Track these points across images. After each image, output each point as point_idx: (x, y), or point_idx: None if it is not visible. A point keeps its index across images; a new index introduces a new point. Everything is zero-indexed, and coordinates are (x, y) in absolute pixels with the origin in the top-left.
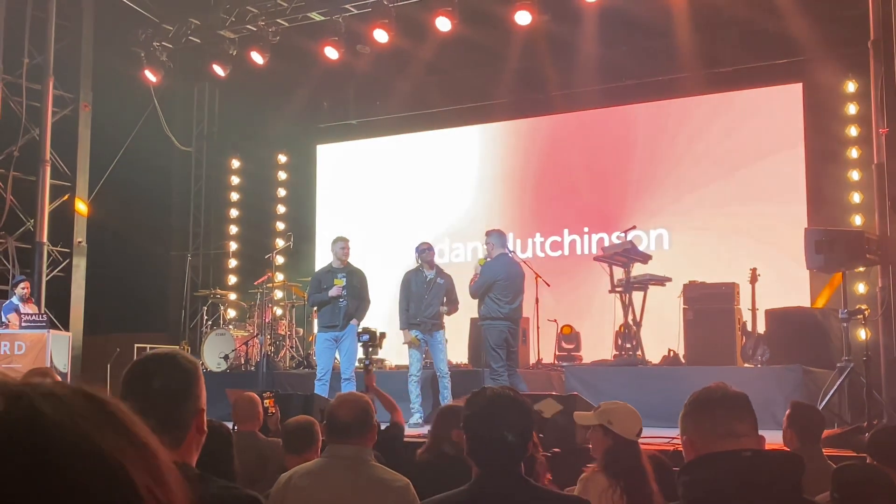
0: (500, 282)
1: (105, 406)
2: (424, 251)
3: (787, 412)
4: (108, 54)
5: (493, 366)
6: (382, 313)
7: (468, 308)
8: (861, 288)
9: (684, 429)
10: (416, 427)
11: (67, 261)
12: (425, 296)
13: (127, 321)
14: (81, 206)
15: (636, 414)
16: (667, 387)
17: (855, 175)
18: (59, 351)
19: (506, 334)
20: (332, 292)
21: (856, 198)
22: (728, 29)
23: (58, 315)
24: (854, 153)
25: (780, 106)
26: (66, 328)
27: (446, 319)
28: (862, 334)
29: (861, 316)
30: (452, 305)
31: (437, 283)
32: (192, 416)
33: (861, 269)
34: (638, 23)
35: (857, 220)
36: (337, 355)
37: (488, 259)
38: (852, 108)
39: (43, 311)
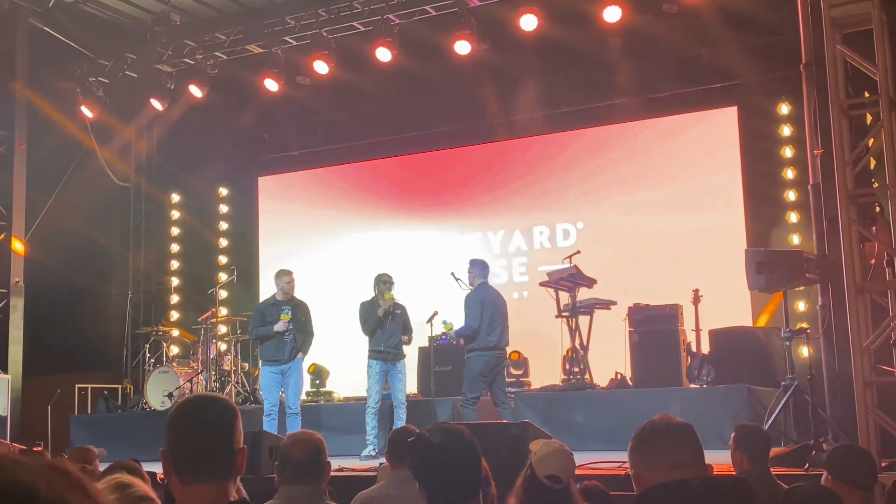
0: (485, 308)
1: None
2: (385, 282)
3: (733, 435)
4: (42, 91)
5: (467, 394)
6: (326, 344)
7: (416, 337)
8: (801, 306)
9: (632, 464)
10: (367, 459)
11: (5, 301)
12: (387, 325)
13: (68, 361)
14: (18, 246)
15: (556, 455)
16: (616, 410)
17: (791, 195)
18: None
19: (493, 362)
20: (278, 327)
21: (793, 217)
22: (663, 56)
23: None
24: (790, 174)
25: (717, 129)
26: (5, 370)
27: None
28: (805, 352)
29: (804, 335)
30: (409, 335)
31: (395, 314)
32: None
33: (801, 287)
34: (576, 51)
35: (795, 239)
36: (282, 389)
37: (469, 289)
38: (787, 130)
39: None
